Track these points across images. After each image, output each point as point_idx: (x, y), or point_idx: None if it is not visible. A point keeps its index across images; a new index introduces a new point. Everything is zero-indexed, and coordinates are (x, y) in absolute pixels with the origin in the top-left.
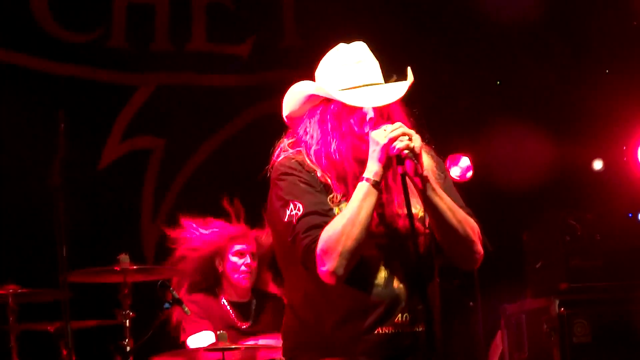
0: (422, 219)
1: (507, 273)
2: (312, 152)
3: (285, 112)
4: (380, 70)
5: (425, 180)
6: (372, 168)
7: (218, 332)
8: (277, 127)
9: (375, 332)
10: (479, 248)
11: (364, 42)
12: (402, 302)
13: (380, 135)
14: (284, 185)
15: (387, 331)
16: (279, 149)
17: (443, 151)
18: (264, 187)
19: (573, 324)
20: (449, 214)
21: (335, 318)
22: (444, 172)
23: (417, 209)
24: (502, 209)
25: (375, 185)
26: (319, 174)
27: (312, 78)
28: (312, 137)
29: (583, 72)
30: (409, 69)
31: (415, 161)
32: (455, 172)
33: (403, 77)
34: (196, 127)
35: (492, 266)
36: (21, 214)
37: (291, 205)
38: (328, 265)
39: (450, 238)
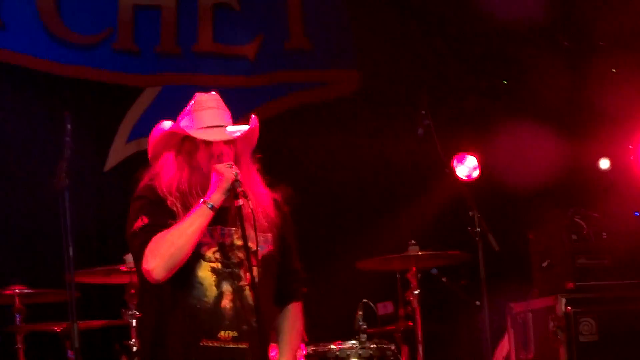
0: (256, 253)
1: (514, 272)
2: (165, 182)
3: (150, 153)
4: (229, 117)
5: None
6: (216, 197)
7: None
8: (286, 125)
9: (201, 343)
10: None
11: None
12: (227, 320)
13: (227, 170)
14: (136, 205)
15: (211, 345)
16: (143, 180)
17: (450, 150)
18: (271, 184)
19: (579, 323)
20: None
21: (171, 329)
22: (287, 220)
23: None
24: (508, 208)
25: (212, 209)
26: (168, 202)
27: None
28: (167, 170)
29: (590, 71)
30: (252, 116)
31: (247, 199)
32: (462, 171)
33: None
34: None
35: (499, 265)
36: (28, 215)
37: (139, 219)
38: (150, 264)
39: None
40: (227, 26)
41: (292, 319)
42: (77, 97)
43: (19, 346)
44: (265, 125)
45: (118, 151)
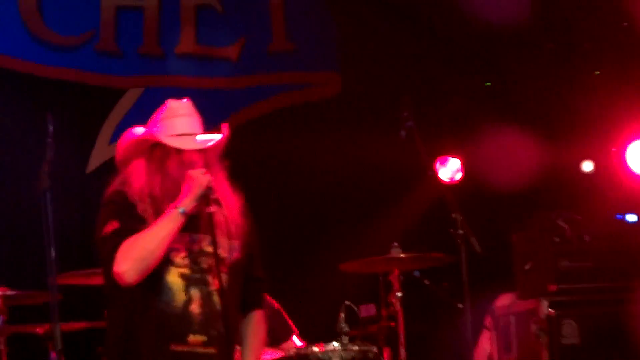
0: (225, 260)
1: (496, 274)
2: (137, 188)
3: (119, 158)
4: (200, 124)
5: None
6: (187, 202)
7: None
8: (268, 127)
9: (170, 347)
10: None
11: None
12: (196, 325)
13: (200, 177)
14: (107, 210)
15: (180, 349)
16: (112, 185)
17: (433, 152)
18: (254, 187)
19: (562, 325)
20: None
21: (140, 332)
22: (252, 228)
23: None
24: (491, 210)
25: (183, 214)
26: (139, 208)
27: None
28: (138, 176)
29: (573, 73)
30: (224, 125)
31: (220, 207)
32: (444, 173)
33: (219, 132)
34: None
35: (481, 268)
36: (10, 217)
37: (109, 224)
38: (122, 267)
39: None
40: (210, 28)
41: (256, 325)
42: (59, 99)
43: (1, 348)
44: (247, 128)
45: (100, 153)
